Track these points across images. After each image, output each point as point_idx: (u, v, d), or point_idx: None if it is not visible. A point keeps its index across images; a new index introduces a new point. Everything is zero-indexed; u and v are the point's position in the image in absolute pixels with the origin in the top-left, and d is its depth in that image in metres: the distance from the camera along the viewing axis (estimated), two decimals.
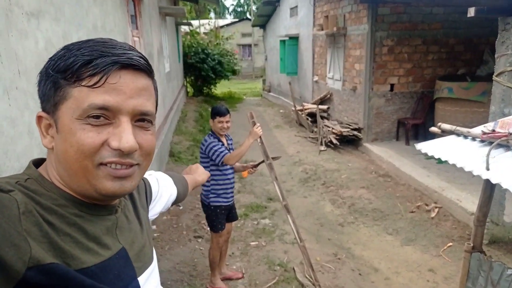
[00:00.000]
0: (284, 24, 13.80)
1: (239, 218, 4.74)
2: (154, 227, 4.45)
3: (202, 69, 14.72)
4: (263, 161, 3.42)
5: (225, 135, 3.35)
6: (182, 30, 15.99)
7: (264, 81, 18.24)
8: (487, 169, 1.91)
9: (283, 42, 13.04)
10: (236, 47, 26.15)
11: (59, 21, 2.27)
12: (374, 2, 6.96)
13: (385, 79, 7.45)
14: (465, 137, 2.34)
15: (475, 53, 7.40)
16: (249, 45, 29.34)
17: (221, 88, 17.92)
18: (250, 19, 26.58)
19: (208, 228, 3.53)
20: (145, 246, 0.86)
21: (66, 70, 0.67)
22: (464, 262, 2.38)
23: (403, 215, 4.86)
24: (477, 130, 2.24)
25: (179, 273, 3.68)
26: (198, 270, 3.74)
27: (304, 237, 3.68)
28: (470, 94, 6.27)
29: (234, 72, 17.18)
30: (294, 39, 12.51)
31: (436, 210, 4.84)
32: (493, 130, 2.14)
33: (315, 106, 9.50)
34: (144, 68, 0.72)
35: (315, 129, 8.95)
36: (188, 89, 15.94)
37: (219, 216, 3.31)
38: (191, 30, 16.89)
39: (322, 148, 7.89)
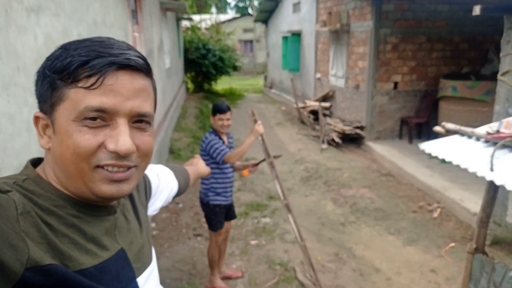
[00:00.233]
0: (287, 20, 13.73)
1: (239, 216, 4.73)
2: (153, 224, 4.44)
3: (203, 65, 14.66)
4: (263, 160, 3.40)
5: (226, 132, 3.32)
6: (183, 25, 15.92)
7: (265, 77, 18.18)
8: (491, 170, 1.89)
9: (285, 38, 12.97)
10: (238, 42, 26.04)
11: (59, 16, 2.24)
12: None
13: (388, 77, 7.41)
14: (469, 137, 2.31)
15: (480, 51, 7.35)
16: (251, 41, 29.25)
17: (222, 84, 17.88)
18: (252, 15, 26.52)
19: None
20: (144, 246, 0.86)
21: (63, 71, 0.66)
22: (467, 263, 2.35)
23: (405, 215, 4.83)
24: (482, 130, 2.21)
25: (178, 271, 3.67)
26: (197, 269, 3.73)
27: (305, 236, 3.66)
28: (474, 93, 6.22)
29: (235, 68, 17.10)
30: (297, 35, 12.45)
31: (439, 210, 4.81)
32: (498, 131, 2.11)
33: (317, 103, 9.46)
34: (142, 68, 0.71)
35: (317, 127, 8.91)
36: (189, 85, 15.90)
37: (218, 214, 3.29)
38: (192, 26, 16.81)
39: (324, 146, 7.85)
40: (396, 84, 7.47)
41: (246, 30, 28.14)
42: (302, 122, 10.31)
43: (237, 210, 4.52)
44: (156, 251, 0.93)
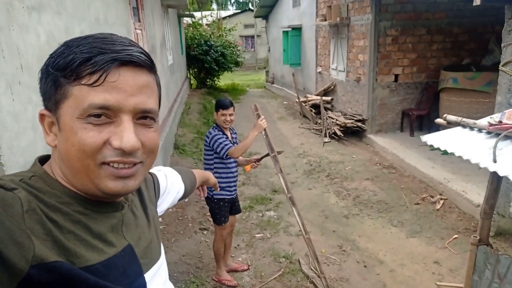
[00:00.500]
0: (287, 14, 13.68)
1: (244, 210, 4.76)
2: (160, 219, 4.47)
3: (205, 61, 14.66)
4: (266, 155, 3.42)
5: (229, 128, 3.34)
6: (185, 22, 15.89)
7: (267, 72, 18.15)
8: (494, 161, 1.89)
9: (286, 33, 12.94)
10: (239, 38, 25.99)
11: (60, 14, 2.25)
12: None
13: (389, 69, 7.39)
14: (471, 128, 2.31)
15: (480, 42, 7.31)
16: (252, 36, 29.16)
17: (224, 80, 17.86)
18: (252, 10, 26.39)
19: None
20: (152, 242, 0.86)
21: (66, 68, 0.66)
22: (471, 255, 2.36)
23: (408, 207, 4.85)
24: (484, 122, 2.21)
25: (185, 265, 3.70)
26: (204, 262, 3.76)
27: (309, 229, 3.67)
28: (475, 84, 6.20)
29: (237, 64, 17.09)
30: (297, 29, 12.42)
31: (441, 202, 4.82)
32: (500, 122, 2.11)
33: (318, 97, 9.45)
34: (145, 64, 0.70)
35: (319, 121, 8.91)
36: (192, 81, 15.90)
37: (222, 209, 3.31)
38: (193, 22, 16.78)
39: (326, 139, 7.86)
40: (396, 76, 7.45)
41: (247, 26, 28.06)
42: (304, 116, 10.31)
43: (241, 204, 4.54)
44: (163, 245, 0.94)
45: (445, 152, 2.24)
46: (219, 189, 3.20)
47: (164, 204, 1.13)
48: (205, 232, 4.33)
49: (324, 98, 9.32)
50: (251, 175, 6.03)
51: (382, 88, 7.47)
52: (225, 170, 3.27)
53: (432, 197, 4.99)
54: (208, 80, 15.96)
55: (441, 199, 4.88)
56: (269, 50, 17.62)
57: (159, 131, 0.78)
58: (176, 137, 7.46)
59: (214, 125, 3.30)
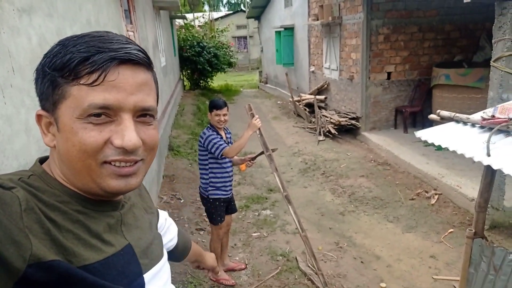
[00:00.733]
0: (279, 14, 13.70)
1: (240, 209, 4.76)
2: None
3: (198, 62, 14.65)
4: (260, 153, 3.42)
5: (224, 128, 3.34)
6: (177, 23, 15.87)
7: (260, 72, 18.17)
8: (488, 155, 1.91)
9: (278, 33, 12.96)
10: (232, 39, 25.99)
11: (52, 17, 2.24)
12: None
13: (381, 67, 7.43)
14: (465, 123, 2.34)
15: (471, 39, 7.37)
16: (245, 37, 29.17)
17: (217, 81, 17.86)
18: (244, 11, 26.38)
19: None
20: (153, 244, 0.85)
21: (63, 68, 0.65)
22: (466, 248, 2.38)
23: (403, 203, 4.88)
24: (477, 116, 2.24)
25: (182, 265, 3.69)
26: None
27: (306, 227, 3.68)
28: (468, 80, 6.25)
29: (230, 65, 17.10)
30: (290, 29, 12.44)
31: (436, 196, 4.86)
32: (493, 116, 2.13)
33: (312, 96, 9.47)
34: (143, 62, 0.70)
35: (313, 120, 8.94)
36: (185, 83, 15.88)
37: (218, 208, 3.31)
38: (185, 23, 16.77)
39: (321, 138, 7.88)
40: (389, 74, 7.49)
41: (239, 27, 28.06)
42: (298, 115, 10.33)
43: (237, 203, 4.54)
44: None
45: (439, 148, 2.26)
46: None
47: None
48: (201, 232, 4.33)
49: (317, 97, 9.35)
50: (247, 175, 6.03)
51: (375, 86, 7.51)
52: (220, 170, 3.27)
53: (426, 192, 5.03)
54: (201, 81, 15.94)
55: (436, 194, 4.91)
56: (262, 51, 17.64)
57: (158, 128, 0.77)
58: (171, 138, 7.44)
59: (208, 125, 3.30)
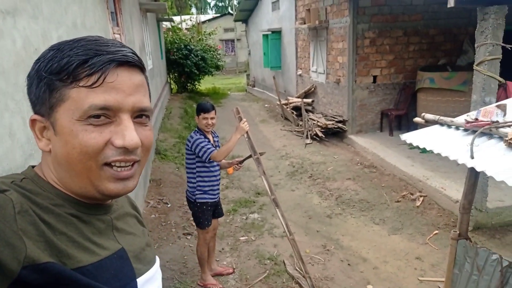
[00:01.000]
0: (267, 18, 13.76)
1: (227, 213, 4.75)
2: None
3: (186, 65, 14.58)
4: (248, 157, 3.43)
5: (211, 131, 3.33)
6: (164, 26, 15.79)
7: (248, 76, 18.19)
8: (472, 157, 1.95)
9: (266, 36, 13.01)
10: (219, 42, 25.99)
11: (37, 19, 2.21)
12: None
13: (367, 71, 7.52)
14: (449, 126, 2.38)
15: (455, 43, 7.52)
16: (232, 40, 29.19)
17: (205, 84, 17.81)
18: (232, 14, 26.42)
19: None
20: (145, 250, 0.86)
21: (61, 71, 0.66)
22: (451, 249, 2.42)
23: (389, 205, 4.93)
24: (460, 119, 2.28)
25: (169, 271, 3.66)
26: (188, 267, 3.73)
27: (293, 230, 3.69)
28: (452, 83, 6.37)
29: (217, 68, 17.08)
30: (277, 33, 12.50)
31: (421, 199, 4.93)
32: (476, 119, 2.18)
33: (299, 99, 9.53)
34: (138, 64, 0.72)
35: (301, 123, 8.98)
36: (172, 86, 15.78)
37: (205, 212, 3.30)
38: (172, 26, 16.68)
39: (308, 141, 7.93)
40: (375, 78, 7.58)
41: (226, 30, 28.07)
42: (286, 118, 10.37)
43: (225, 207, 4.53)
44: None
45: (423, 150, 2.30)
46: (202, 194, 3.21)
47: None
48: (189, 237, 4.30)
49: (305, 100, 9.40)
50: (234, 178, 6.03)
51: (361, 90, 7.59)
52: (208, 173, 3.26)
53: (412, 194, 5.09)
54: (188, 84, 15.87)
55: (421, 196, 4.98)
56: (249, 54, 17.67)
57: (153, 130, 0.79)
58: (158, 142, 7.39)
59: (196, 129, 3.29)
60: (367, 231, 4.35)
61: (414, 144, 2.37)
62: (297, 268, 3.59)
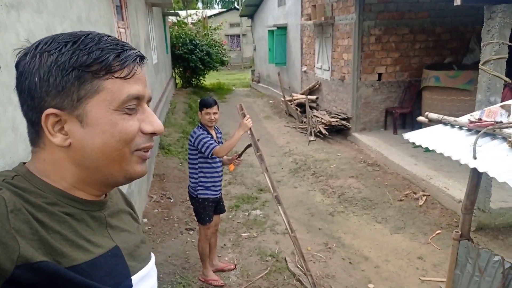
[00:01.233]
0: (272, 13, 13.71)
1: (230, 209, 4.76)
2: (145, 220, 4.44)
3: (191, 60, 14.58)
4: (246, 148, 3.44)
5: (214, 127, 3.33)
6: (170, 20, 15.77)
7: (253, 71, 18.15)
8: (474, 157, 1.94)
9: (271, 32, 12.96)
10: (225, 37, 25.93)
11: (41, 13, 2.21)
12: None
13: (373, 68, 7.48)
14: (452, 126, 2.36)
15: (462, 41, 7.45)
16: (238, 36, 29.12)
17: (210, 79, 17.81)
18: (238, 9, 26.32)
19: None
20: (140, 247, 0.86)
21: (93, 64, 0.68)
22: (453, 249, 2.42)
23: (391, 204, 4.92)
24: (464, 119, 2.27)
25: (171, 265, 3.68)
26: (190, 263, 3.75)
27: (295, 227, 3.70)
28: (457, 82, 6.32)
29: (222, 63, 17.06)
30: (282, 29, 12.45)
31: (424, 198, 4.91)
32: (480, 119, 2.16)
33: (304, 96, 9.50)
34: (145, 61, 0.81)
35: (305, 120, 8.96)
36: (177, 81, 15.80)
37: (207, 208, 3.31)
38: (178, 21, 16.67)
39: (312, 138, 7.91)
40: (380, 75, 7.54)
41: (232, 25, 27.99)
42: (290, 115, 10.35)
43: (227, 203, 4.54)
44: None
45: (427, 150, 2.28)
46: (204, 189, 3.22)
47: None
48: (191, 232, 4.32)
49: (309, 97, 9.38)
50: (237, 174, 6.03)
51: (366, 87, 7.55)
52: (210, 169, 3.26)
53: (415, 193, 5.08)
54: (193, 79, 15.88)
55: (424, 195, 4.97)
56: (254, 49, 17.63)
57: None
58: (161, 137, 7.40)
59: (199, 124, 3.29)
60: (369, 230, 4.35)
61: (417, 144, 2.36)
62: (298, 265, 3.60)
